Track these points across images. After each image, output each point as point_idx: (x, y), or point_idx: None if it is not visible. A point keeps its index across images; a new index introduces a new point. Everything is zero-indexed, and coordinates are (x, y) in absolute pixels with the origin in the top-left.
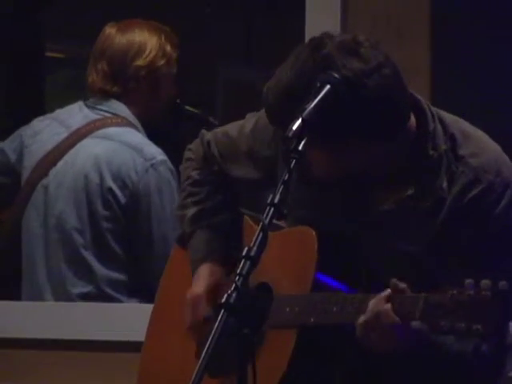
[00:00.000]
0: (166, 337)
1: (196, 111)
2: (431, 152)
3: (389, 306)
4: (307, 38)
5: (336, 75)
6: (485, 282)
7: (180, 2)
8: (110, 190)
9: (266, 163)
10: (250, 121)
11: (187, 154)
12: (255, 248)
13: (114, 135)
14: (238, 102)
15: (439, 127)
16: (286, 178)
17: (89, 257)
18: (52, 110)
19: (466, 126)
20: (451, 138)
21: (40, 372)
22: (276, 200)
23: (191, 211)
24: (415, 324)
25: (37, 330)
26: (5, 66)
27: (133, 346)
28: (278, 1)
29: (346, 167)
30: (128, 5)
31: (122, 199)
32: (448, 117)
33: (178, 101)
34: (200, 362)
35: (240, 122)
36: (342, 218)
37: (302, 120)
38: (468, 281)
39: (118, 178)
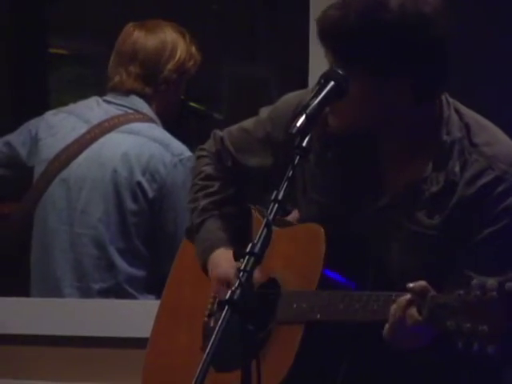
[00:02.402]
0: (172, 331)
1: (200, 107)
2: (445, 137)
3: (414, 309)
4: (311, 36)
5: (340, 72)
6: (491, 283)
7: None
8: (139, 183)
9: (284, 148)
10: (265, 111)
11: (199, 153)
12: (259, 244)
13: (140, 130)
14: (242, 99)
15: (454, 115)
16: (290, 174)
17: (112, 252)
18: (56, 107)
19: (480, 117)
20: (466, 127)
21: (48, 368)
22: (280, 196)
23: (202, 203)
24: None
25: (47, 326)
26: (9, 63)
27: (145, 343)
28: None
29: (372, 114)
30: (132, 1)
31: (150, 193)
32: (463, 108)
33: (182, 97)
34: (204, 359)
35: (254, 117)
36: (355, 200)
37: (306, 116)
38: (474, 281)
39: (147, 171)
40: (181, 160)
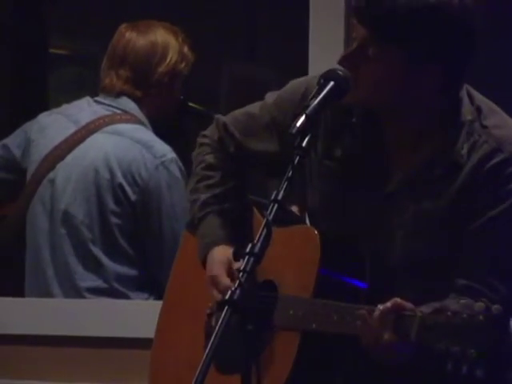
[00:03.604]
0: (176, 327)
1: (200, 108)
2: (455, 118)
3: (388, 325)
4: (311, 35)
5: (340, 72)
6: (479, 305)
7: None
8: (121, 186)
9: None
10: (271, 96)
11: (201, 140)
12: (259, 244)
13: (124, 131)
14: (242, 98)
15: (466, 98)
16: (290, 174)
17: (97, 252)
18: (56, 107)
19: (491, 102)
20: (477, 110)
21: (45, 368)
22: (280, 197)
23: (203, 196)
24: (413, 342)
25: (42, 326)
26: (9, 63)
27: (142, 343)
28: None
29: (392, 93)
30: (132, 1)
31: (132, 196)
32: (475, 92)
33: (181, 97)
34: (203, 359)
35: (259, 102)
36: (358, 188)
37: (306, 117)
38: (462, 301)
39: (129, 174)
40: (163, 162)
